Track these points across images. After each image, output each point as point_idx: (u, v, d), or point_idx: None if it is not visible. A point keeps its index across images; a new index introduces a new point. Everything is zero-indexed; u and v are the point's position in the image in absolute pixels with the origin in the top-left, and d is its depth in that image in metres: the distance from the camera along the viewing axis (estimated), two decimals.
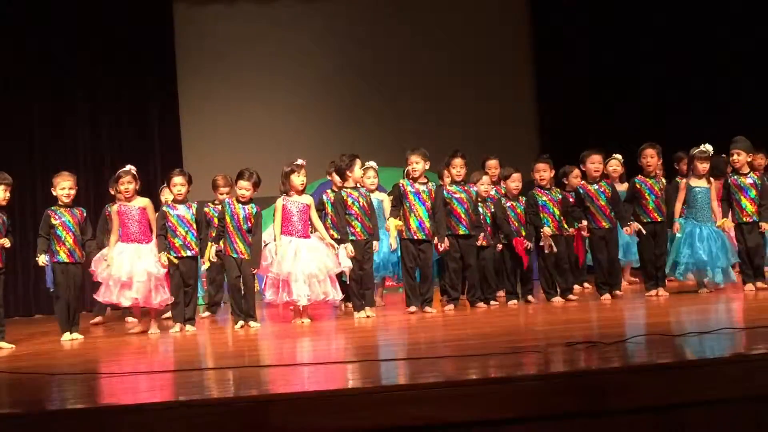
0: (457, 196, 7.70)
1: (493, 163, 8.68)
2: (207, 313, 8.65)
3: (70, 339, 7.07)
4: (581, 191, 7.74)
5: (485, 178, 8.02)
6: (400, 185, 7.63)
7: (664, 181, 7.90)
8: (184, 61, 11.57)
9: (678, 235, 7.46)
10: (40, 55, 10.79)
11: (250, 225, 7.36)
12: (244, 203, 7.41)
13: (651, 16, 11.70)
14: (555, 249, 7.60)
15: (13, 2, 10.73)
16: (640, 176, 7.71)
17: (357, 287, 7.49)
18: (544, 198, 7.74)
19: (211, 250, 7.39)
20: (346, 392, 3.55)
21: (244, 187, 7.38)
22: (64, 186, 7.31)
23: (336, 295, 7.41)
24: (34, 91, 10.82)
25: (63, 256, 7.24)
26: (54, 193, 7.38)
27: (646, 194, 7.60)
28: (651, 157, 7.67)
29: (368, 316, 7.34)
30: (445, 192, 7.67)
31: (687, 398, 3.45)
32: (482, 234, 7.74)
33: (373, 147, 10.67)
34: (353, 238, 7.48)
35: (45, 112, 10.89)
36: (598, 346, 4.19)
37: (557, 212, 7.70)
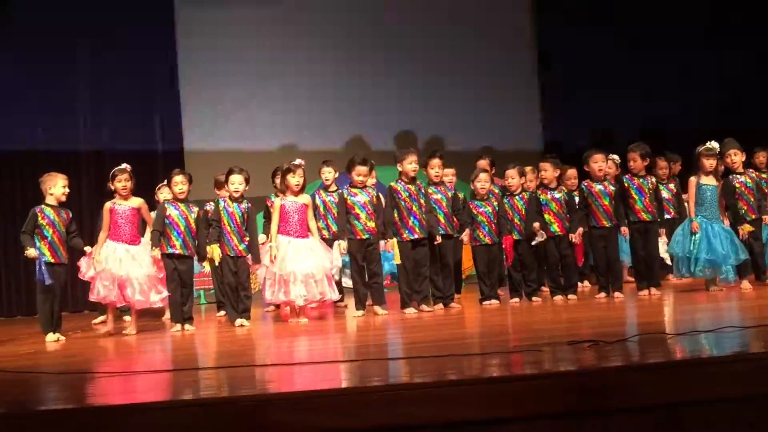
0: (436, 197, 7.71)
1: (483, 163, 8.74)
2: (222, 312, 8.29)
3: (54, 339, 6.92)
4: (585, 190, 7.72)
5: (483, 176, 7.96)
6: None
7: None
8: (187, 59, 11.51)
9: (696, 234, 7.43)
10: (41, 55, 10.75)
11: (246, 223, 7.32)
12: (237, 200, 7.37)
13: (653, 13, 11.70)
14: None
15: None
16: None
17: (355, 285, 7.51)
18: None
19: (216, 250, 7.31)
20: (347, 392, 3.53)
21: (237, 182, 7.33)
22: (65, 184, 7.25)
23: (333, 294, 7.42)
24: (36, 91, 10.76)
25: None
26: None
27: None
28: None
29: (377, 314, 7.32)
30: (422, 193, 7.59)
31: (687, 397, 3.44)
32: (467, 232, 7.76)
33: (376, 140, 10.65)
34: (351, 237, 7.46)
35: (46, 112, 10.84)
36: (599, 345, 4.18)
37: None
